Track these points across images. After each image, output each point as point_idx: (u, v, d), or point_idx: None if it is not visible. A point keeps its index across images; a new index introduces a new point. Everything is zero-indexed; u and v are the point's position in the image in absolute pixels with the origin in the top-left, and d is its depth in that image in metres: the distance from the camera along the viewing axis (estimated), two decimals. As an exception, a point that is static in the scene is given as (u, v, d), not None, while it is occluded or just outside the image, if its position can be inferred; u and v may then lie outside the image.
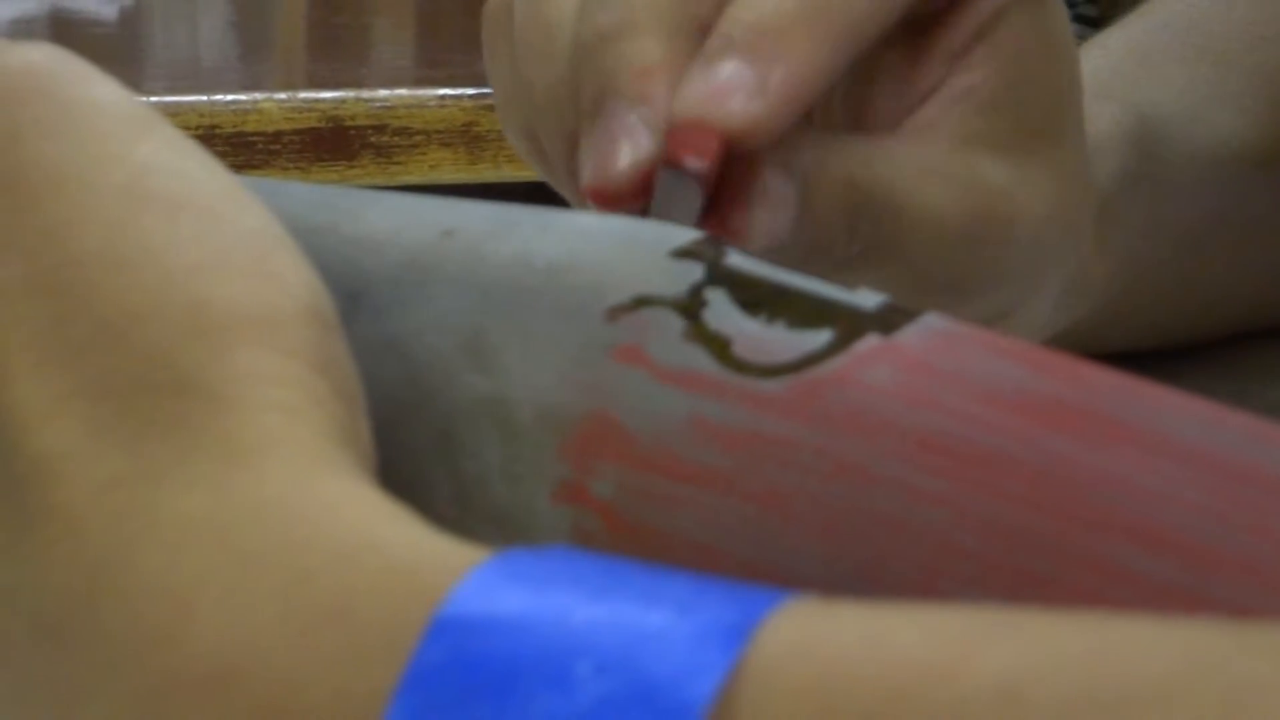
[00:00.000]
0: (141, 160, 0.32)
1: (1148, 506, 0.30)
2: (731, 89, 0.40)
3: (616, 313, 0.32)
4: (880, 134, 0.46)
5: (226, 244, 0.31)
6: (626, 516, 0.31)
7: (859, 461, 0.30)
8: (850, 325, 0.32)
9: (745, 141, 0.40)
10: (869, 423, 0.31)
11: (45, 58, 0.33)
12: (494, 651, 0.26)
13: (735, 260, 0.33)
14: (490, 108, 1.05)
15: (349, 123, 1.02)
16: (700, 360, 0.32)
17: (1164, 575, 0.29)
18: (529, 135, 0.46)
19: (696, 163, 0.40)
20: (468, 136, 1.04)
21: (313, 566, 0.28)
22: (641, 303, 0.32)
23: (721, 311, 0.32)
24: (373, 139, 1.03)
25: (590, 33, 0.42)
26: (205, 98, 1.00)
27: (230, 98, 1.00)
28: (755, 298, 0.32)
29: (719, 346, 0.32)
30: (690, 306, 0.32)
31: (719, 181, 0.41)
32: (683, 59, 0.41)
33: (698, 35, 0.42)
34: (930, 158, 0.45)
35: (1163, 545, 0.29)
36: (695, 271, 0.33)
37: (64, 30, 1.25)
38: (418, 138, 1.04)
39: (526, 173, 1.07)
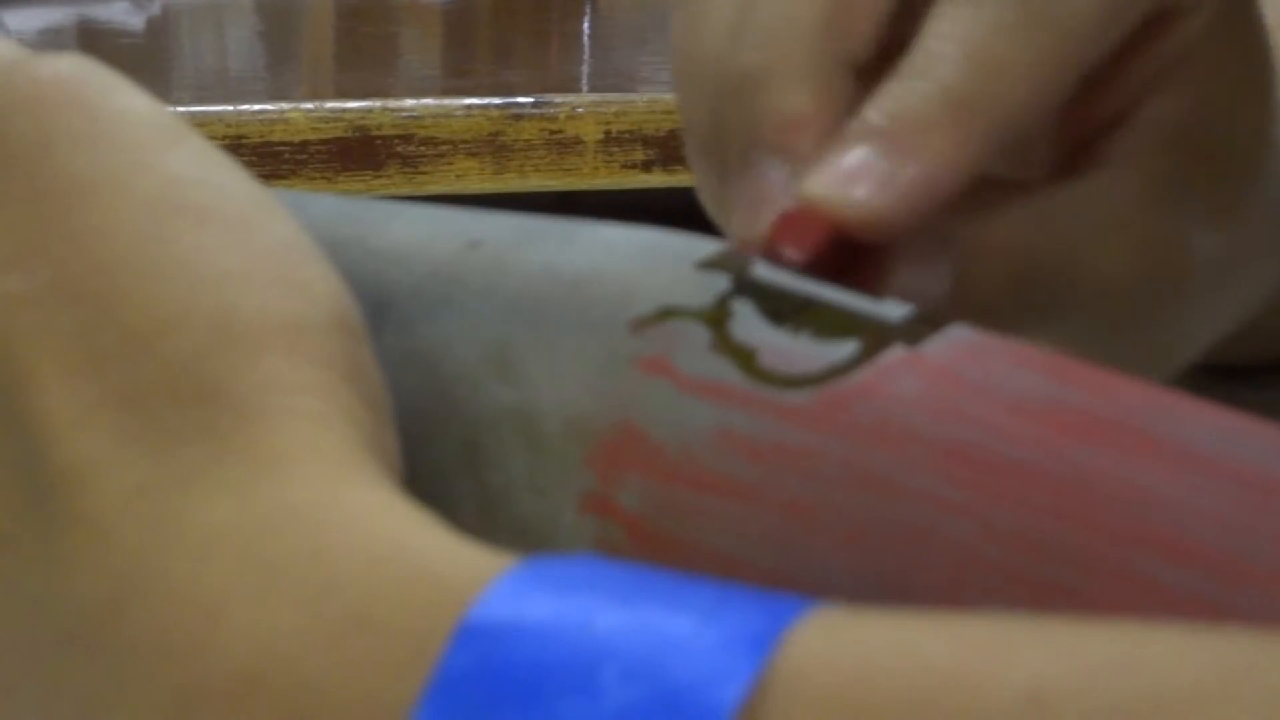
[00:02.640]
0: (171, 170, 0.32)
1: (1174, 518, 0.29)
2: (857, 177, 0.37)
3: (642, 324, 0.32)
4: (1050, 173, 0.42)
5: (255, 254, 0.31)
6: (651, 528, 0.31)
7: (884, 473, 0.30)
8: (876, 336, 0.32)
9: (861, 235, 0.37)
10: (894, 434, 0.31)
11: (75, 68, 0.34)
12: (520, 658, 0.26)
13: (762, 272, 0.33)
14: (517, 117, 1.05)
15: (375, 132, 1.02)
16: (726, 371, 0.32)
17: (1190, 587, 0.29)
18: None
19: (794, 254, 0.37)
20: (494, 146, 1.04)
21: (340, 574, 0.28)
22: (667, 314, 0.32)
23: (748, 323, 0.32)
24: (399, 149, 1.03)
25: (735, 73, 0.39)
26: (232, 107, 1.00)
27: (257, 108, 1.01)
28: (782, 309, 0.32)
29: (744, 357, 0.32)
30: (716, 317, 0.32)
31: (851, 265, 0.38)
32: (833, 108, 0.38)
33: (849, 77, 0.39)
34: (1108, 210, 0.41)
35: (1189, 557, 0.29)
36: (721, 282, 0.32)
37: (91, 40, 1.25)
38: (444, 147, 1.04)
39: (552, 181, 1.08)
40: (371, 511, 0.29)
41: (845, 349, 0.31)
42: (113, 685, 0.28)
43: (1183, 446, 0.31)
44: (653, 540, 0.31)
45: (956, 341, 0.32)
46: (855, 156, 0.37)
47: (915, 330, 0.32)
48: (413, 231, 0.35)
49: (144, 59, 1.21)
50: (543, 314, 0.33)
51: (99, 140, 0.32)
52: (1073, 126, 0.42)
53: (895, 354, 0.31)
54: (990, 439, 0.30)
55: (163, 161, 0.32)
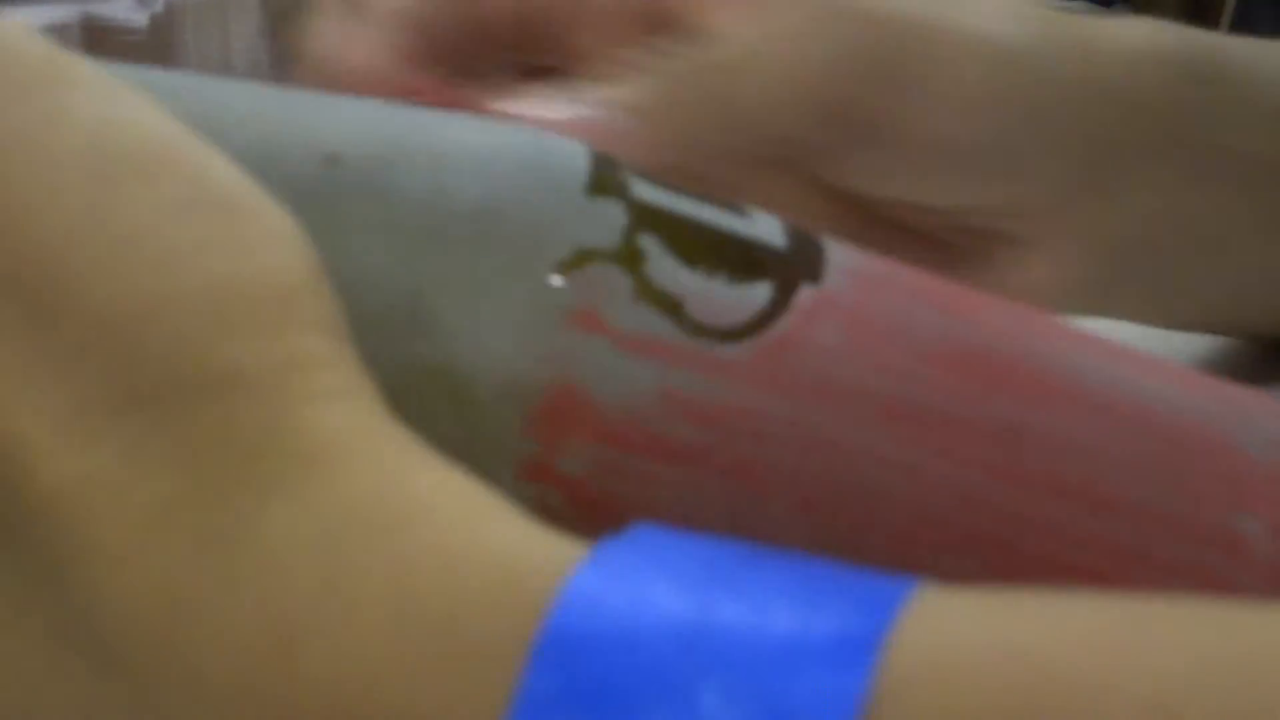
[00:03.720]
0: (87, 114, 0.27)
1: (1092, 467, 0.29)
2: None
3: (563, 268, 0.31)
4: None
5: (216, 208, 0.27)
6: (596, 493, 0.31)
7: (830, 433, 0.30)
8: (783, 274, 0.32)
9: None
10: (832, 390, 0.31)
11: None
12: (607, 677, 0.23)
13: (642, 192, 0.32)
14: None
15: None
16: (657, 324, 0.31)
17: (1111, 536, 0.29)
18: None
19: None
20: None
21: (419, 582, 0.25)
22: (583, 258, 0.31)
23: (662, 265, 0.31)
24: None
25: None
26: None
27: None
28: (686, 247, 0.32)
29: (672, 307, 0.31)
30: (629, 258, 0.31)
31: None
32: None
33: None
34: None
35: (1108, 506, 0.29)
36: (618, 214, 0.32)
37: (95, 37, 1.25)
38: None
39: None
40: (439, 500, 0.26)
41: (761, 292, 0.31)
42: (179, 715, 0.25)
43: (1089, 390, 0.31)
44: (596, 505, 0.31)
45: (848, 274, 0.32)
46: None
47: (807, 261, 0.32)
48: (249, 135, 0.31)
49: (147, 56, 1.21)
50: (451, 256, 0.31)
51: None
52: None
53: (807, 296, 0.31)
54: (919, 391, 0.30)
55: (71, 103, 0.27)
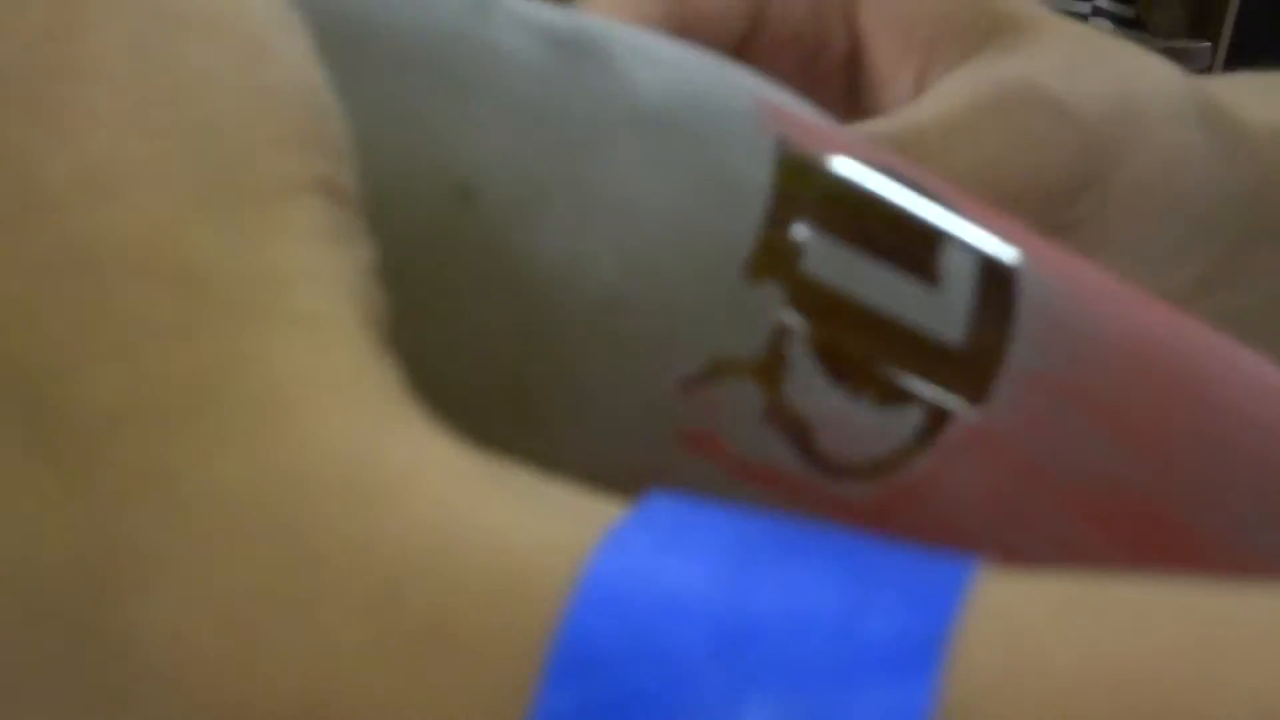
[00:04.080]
0: None
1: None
2: None
3: (689, 385, 0.27)
4: None
5: (265, 97, 0.24)
6: None
7: None
8: (938, 397, 0.28)
9: None
10: (947, 531, 0.28)
11: None
12: (636, 692, 0.20)
13: (817, 258, 0.28)
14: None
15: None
16: (780, 452, 0.28)
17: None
18: None
19: None
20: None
21: (402, 569, 0.22)
22: (718, 370, 0.28)
23: (804, 381, 0.28)
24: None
25: None
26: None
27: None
28: (840, 354, 0.28)
29: (802, 433, 0.28)
30: (770, 372, 0.28)
31: None
32: None
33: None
34: None
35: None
36: (774, 302, 0.28)
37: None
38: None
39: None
40: (422, 463, 0.23)
41: (908, 421, 0.28)
42: (127, 711, 0.22)
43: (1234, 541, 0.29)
44: None
45: (1022, 388, 0.29)
46: None
47: (981, 360, 0.29)
48: (371, 150, 0.27)
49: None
50: (564, 339, 0.27)
51: None
52: None
53: (959, 427, 0.28)
54: (1040, 544, 0.28)
55: None
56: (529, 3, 0.29)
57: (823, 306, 0.28)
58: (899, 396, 0.28)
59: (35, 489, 0.22)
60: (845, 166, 0.29)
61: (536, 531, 0.22)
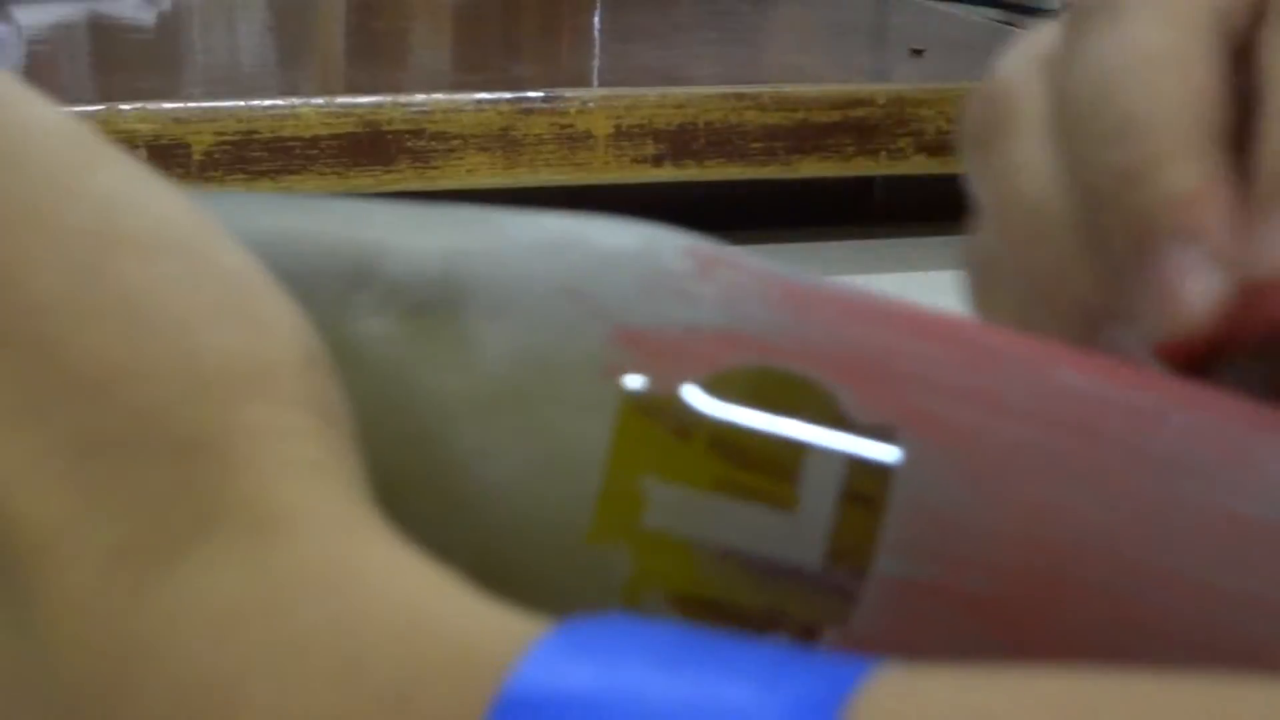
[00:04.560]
0: (101, 193, 0.29)
1: None
2: None
3: None
4: None
5: (210, 289, 0.29)
6: None
7: None
8: (802, 620, 0.29)
9: None
10: None
11: None
12: None
13: (661, 508, 0.29)
14: (527, 111, 1.05)
15: (386, 127, 1.02)
16: None
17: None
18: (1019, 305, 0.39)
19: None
20: (505, 141, 1.04)
21: (368, 648, 0.25)
22: None
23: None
24: (410, 144, 1.03)
25: (1107, 180, 0.36)
26: (243, 103, 1.00)
27: (268, 103, 1.01)
28: (697, 600, 0.29)
29: None
30: None
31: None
32: (1222, 179, 0.35)
33: (1225, 147, 0.36)
34: None
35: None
36: (622, 564, 0.29)
37: (102, 35, 1.25)
38: (455, 142, 1.04)
39: (562, 176, 1.08)
40: (391, 574, 0.27)
41: (779, 643, 0.29)
42: None
43: None
44: None
45: (891, 595, 0.29)
46: None
47: (844, 581, 0.29)
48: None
49: (154, 54, 1.22)
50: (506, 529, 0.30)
51: (9, 161, 0.29)
52: None
53: (828, 642, 0.29)
54: None
55: (91, 184, 0.29)
56: (408, 260, 0.31)
57: (671, 557, 0.29)
58: (763, 624, 0.29)
59: None
60: (695, 397, 0.30)
61: (490, 622, 0.26)
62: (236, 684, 0.25)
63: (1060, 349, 0.32)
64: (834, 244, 1.14)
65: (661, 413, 0.30)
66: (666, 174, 1.07)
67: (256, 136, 0.99)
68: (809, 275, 0.32)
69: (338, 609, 0.26)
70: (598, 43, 1.36)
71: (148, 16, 1.30)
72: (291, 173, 1.00)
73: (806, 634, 0.29)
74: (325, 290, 0.31)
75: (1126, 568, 0.29)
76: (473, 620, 0.26)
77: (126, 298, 0.28)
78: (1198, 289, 0.33)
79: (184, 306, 0.28)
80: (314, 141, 1.01)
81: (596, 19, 1.40)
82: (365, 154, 1.02)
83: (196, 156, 0.97)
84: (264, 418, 0.28)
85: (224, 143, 0.98)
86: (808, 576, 0.29)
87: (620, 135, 1.06)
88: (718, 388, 0.30)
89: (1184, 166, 0.35)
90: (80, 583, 0.26)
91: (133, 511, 0.27)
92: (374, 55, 1.29)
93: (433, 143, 1.03)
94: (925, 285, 0.72)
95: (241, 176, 0.98)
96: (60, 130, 0.30)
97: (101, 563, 0.26)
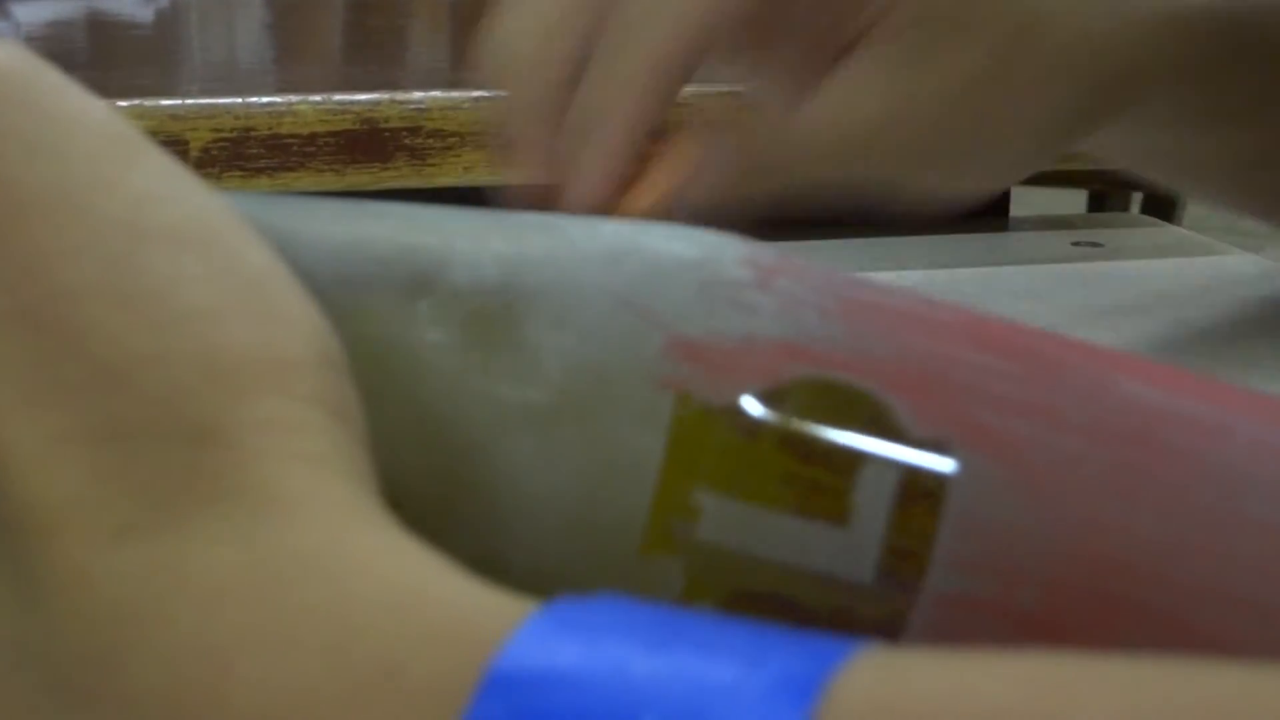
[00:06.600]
0: (137, 187, 0.30)
1: None
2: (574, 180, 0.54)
3: None
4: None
5: (233, 284, 0.30)
6: None
7: None
8: (853, 634, 0.29)
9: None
10: None
11: (17, 62, 0.31)
12: (553, 707, 0.25)
13: (713, 521, 0.30)
14: (525, 110, 1.05)
15: (383, 125, 1.02)
16: None
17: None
18: None
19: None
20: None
21: (359, 624, 0.26)
22: None
23: None
24: (407, 141, 1.03)
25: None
26: (240, 100, 1.00)
27: (265, 100, 1.00)
28: (749, 613, 0.29)
29: None
30: None
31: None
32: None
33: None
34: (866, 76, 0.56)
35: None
36: (674, 576, 0.30)
37: (100, 32, 1.25)
38: (452, 139, 1.04)
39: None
40: (385, 556, 0.28)
41: None
42: None
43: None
44: None
45: (943, 610, 0.29)
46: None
47: (895, 595, 0.29)
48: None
49: (152, 51, 1.21)
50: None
51: (53, 150, 0.30)
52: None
53: None
54: None
55: (128, 178, 0.30)
56: (468, 267, 0.32)
57: (724, 571, 0.29)
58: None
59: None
60: (751, 408, 0.30)
61: (481, 600, 0.27)
62: (226, 656, 0.26)
63: (1121, 356, 0.32)
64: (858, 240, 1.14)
65: (716, 424, 0.30)
66: (664, 172, 1.07)
67: (254, 134, 0.99)
68: (871, 280, 0.32)
69: (330, 587, 0.27)
70: (595, 41, 1.36)
71: (145, 13, 1.30)
72: (289, 170, 1.00)
73: None
74: (387, 297, 0.32)
75: (1184, 588, 0.29)
76: (464, 598, 0.27)
77: (153, 289, 0.29)
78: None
79: (207, 300, 0.29)
80: (311, 139, 1.01)
81: (594, 17, 1.40)
82: (362, 151, 1.02)
83: (193, 153, 0.97)
84: (276, 411, 0.29)
85: (221, 139, 0.98)
86: (861, 590, 0.29)
87: (617, 133, 1.06)
88: (773, 399, 0.30)
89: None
90: (84, 557, 0.27)
91: (140, 492, 0.28)
92: (371, 53, 1.29)
93: (430, 140, 1.03)
94: (924, 285, 0.72)
95: (238, 174, 0.98)
96: (102, 124, 0.31)
97: (106, 539, 0.27)
